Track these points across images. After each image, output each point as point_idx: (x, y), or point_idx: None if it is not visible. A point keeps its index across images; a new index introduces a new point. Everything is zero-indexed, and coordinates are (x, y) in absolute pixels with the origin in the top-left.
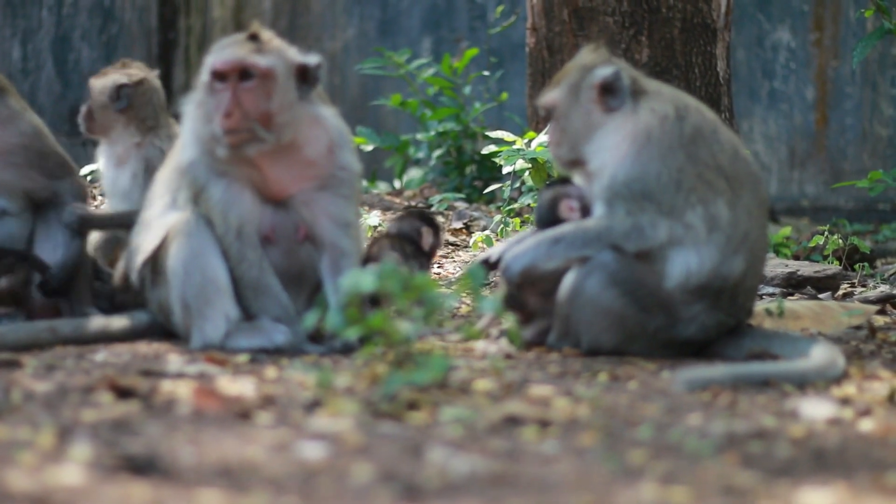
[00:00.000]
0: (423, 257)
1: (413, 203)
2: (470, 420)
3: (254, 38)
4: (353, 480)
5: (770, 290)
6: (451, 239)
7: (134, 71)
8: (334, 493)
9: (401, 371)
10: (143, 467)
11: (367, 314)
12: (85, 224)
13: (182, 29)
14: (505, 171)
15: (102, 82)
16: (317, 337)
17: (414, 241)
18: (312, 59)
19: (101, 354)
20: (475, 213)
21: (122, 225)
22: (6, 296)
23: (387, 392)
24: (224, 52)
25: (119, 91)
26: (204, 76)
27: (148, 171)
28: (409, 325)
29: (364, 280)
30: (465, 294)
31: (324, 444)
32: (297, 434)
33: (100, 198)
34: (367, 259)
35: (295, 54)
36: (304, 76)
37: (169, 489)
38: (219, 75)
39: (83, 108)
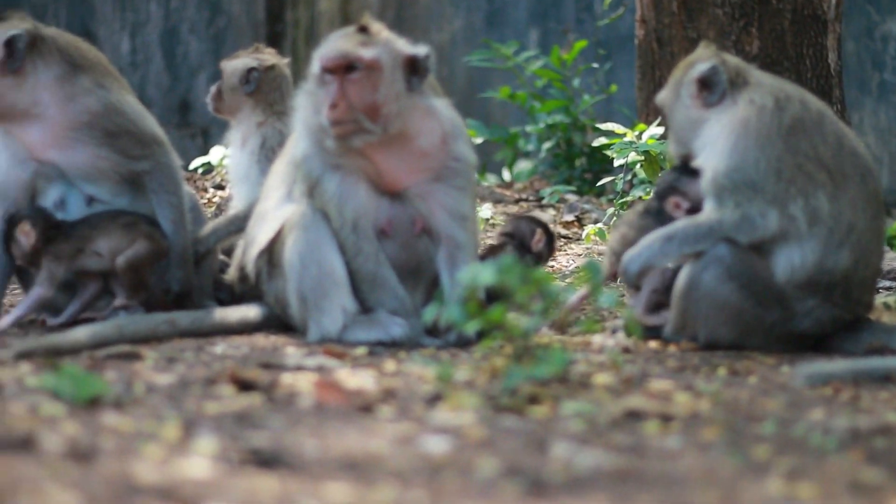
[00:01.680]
0: (531, 259)
1: (524, 195)
2: (591, 414)
3: (363, 30)
4: (478, 475)
5: (888, 283)
6: (564, 232)
7: (265, 56)
8: (460, 487)
9: (520, 365)
10: (269, 461)
11: (485, 308)
12: (192, 268)
13: (289, 21)
14: (616, 163)
15: (234, 65)
16: (432, 329)
17: (524, 241)
18: (422, 49)
19: (220, 347)
20: (586, 206)
21: (230, 234)
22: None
23: (507, 386)
24: (332, 45)
25: (249, 74)
26: (314, 68)
27: (263, 149)
28: (528, 319)
29: (483, 273)
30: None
31: (447, 437)
32: (419, 428)
33: (211, 189)
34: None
35: (404, 45)
36: (414, 67)
37: (295, 483)
38: (327, 68)
39: (213, 89)
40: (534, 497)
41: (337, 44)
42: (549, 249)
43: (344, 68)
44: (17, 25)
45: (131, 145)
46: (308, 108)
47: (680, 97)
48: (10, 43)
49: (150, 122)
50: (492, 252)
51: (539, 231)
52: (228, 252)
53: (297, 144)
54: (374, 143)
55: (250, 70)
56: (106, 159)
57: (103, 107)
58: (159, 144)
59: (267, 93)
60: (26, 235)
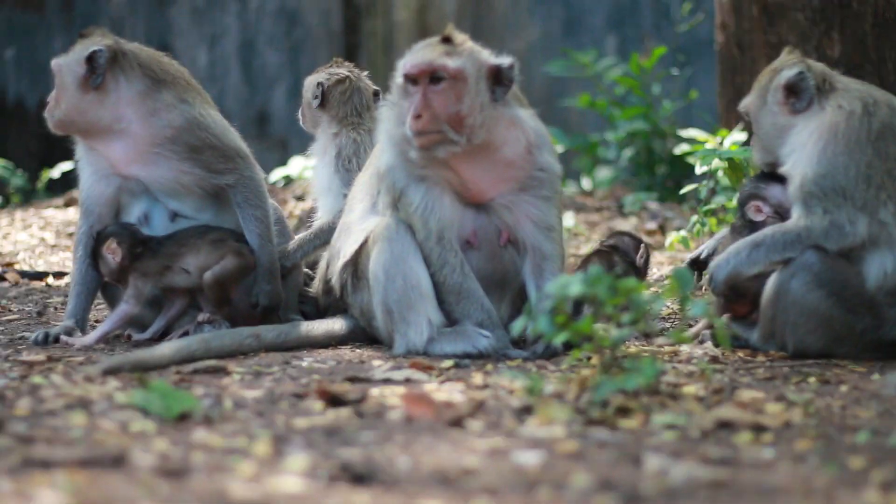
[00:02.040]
0: (636, 273)
1: (605, 204)
2: (683, 426)
3: (447, 40)
4: (571, 489)
5: None
6: (646, 239)
7: (339, 70)
8: (553, 500)
9: (609, 376)
10: (361, 477)
11: (571, 319)
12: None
13: (366, 32)
14: (699, 170)
15: (309, 80)
16: (518, 340)
17: (629, 255)
18: (506, 60)
19: (307, 360)
20: (668, 213)
21: (316, 248)
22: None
23: (598, 398)
24: (416, 55)
25: (318, 88)
26: (397, 79)
27: (340, 158)
28: (617, 330)
29: (572, 285)
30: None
31: (538, 451)
32: (510, 441)
33: (292, 201)
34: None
35: (488, 56)
36: (498, 78)
37: (389, 499)
38: (410, 78)
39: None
40: None
41: (421, 53)
42: (647, 265)
43: (428, 78)
44: (99, 41)
45: (215, 159)
46: (391, 119)
47: (766, 104)
48: (92, 59)
49: (234, 136)
50: (588, 262)
51: (642, 246)
52: (312, 265)
53: (380, 156)
54: (458, 153)
55: (319, 84)
56: (189, 174)
57: (186, 121)
58: (243, 158)
59: (338, 105)
60: (113, 253)
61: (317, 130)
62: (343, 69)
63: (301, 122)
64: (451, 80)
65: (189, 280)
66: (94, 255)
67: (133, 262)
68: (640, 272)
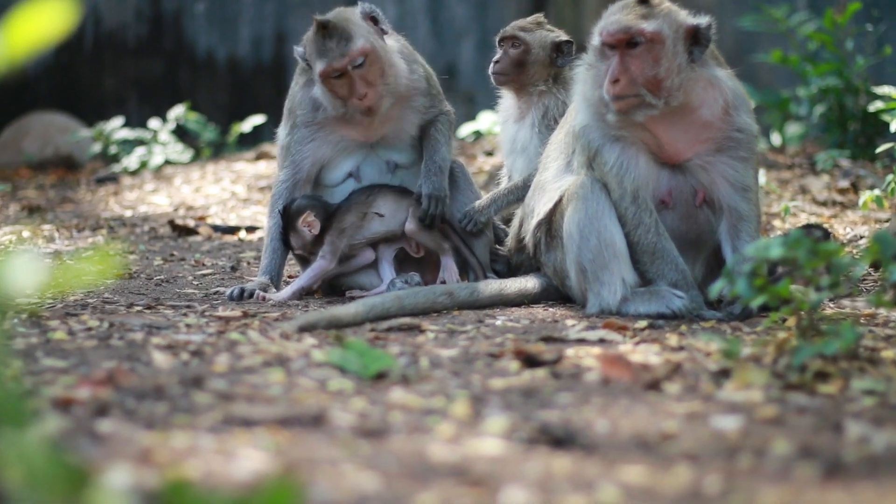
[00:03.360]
0: None
1: (796, 161)
2: (882, 391)
3: (643, 1)
4: (772, 456)
5: None
6: (839, 198)
7: (557, 30)
8: (754, 468)
9: (807, 340)
10: (560, 440)
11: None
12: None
13: None
14: (893, 128)
15: (541, 38)
16: (710, 301)
17: None
18: (703, 20)
19: (500, 319)
20: (861, 172)
21: (509, 204)
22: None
23: (796, 362)
24: (612, 18)
25: (560, 48)
26: (594, 41)
27: (545, 119)
28: (815, 293)
29: (772, 247)
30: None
31: (737, 416)
32: (708, 405)
33: (481, 157)
34: None
35: (685, 17)
36: (696, 38)
37: (589, 463)
38: (607, 43)
39: (503, 59)
40: (831, 479)
41: (618, 17)
42: None
43: (625, 43)
44: None
45: (429, 101)
46: (588, 81)
47: None
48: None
49: (433, 74)
50: None
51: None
52: (506, 222)
53: (576, 116)
54: (655, 115)
55: (561, 43)
56: (413, 122)
57: (424, 73)
58: (441, 94)
59: (551, 65)
60: (310, 226)
61: (519, 89)
62: (552, 27)
63: (496, 80)
64: (648, 44)
65: (384, 224)
66: (285, 229)
67: (324, 231)
68: None
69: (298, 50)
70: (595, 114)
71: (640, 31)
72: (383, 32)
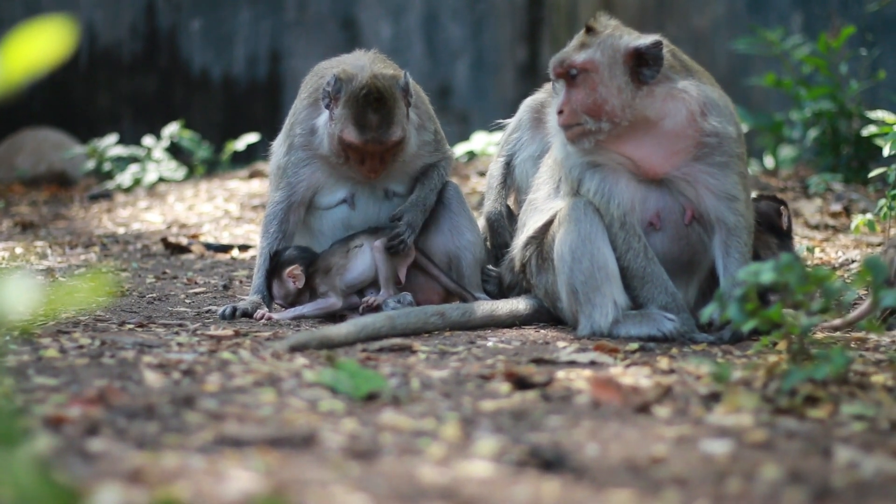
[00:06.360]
0: (783, 237)
1: (789, 184)
2: (872, 416)
3: (589, 30)
4: (761, 481)
5: None
6: (831, 222)
7: None
8: (743, 493)
9: (797, 364)
10: (550, 463)
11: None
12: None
13: (549, 5)
14: (887, 152)
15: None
16: (701, 324)
17: (772, 221)
18: (647, 40)
19: (491, 341)
20: (853, 196)
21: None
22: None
23: (786, 387)
24: (557, 54)
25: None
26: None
27: None
28: (806, 318)
29: (763, 272)
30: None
31: (727, 440)
32: (698, 429)
33: (474, 178)
34: None
35: (629, 40)
36: (642, 59)
37: (579, 487)
38: (552, 76)
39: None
40: None
41: (562, 51)
42: (790, 226)
43: (566, 74)
44: None
45: (432, 148)
46: (553, 112)
47: None
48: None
49: (437, 122)
50: None
51: (782, 207)
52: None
53: (553, 147)
54: (615, 137)
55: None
56: (413, 167)
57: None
58: (445, 138)
59: None
60: (295, 279)
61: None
62: None
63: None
64: (583, 73)
65: (366, 260)
66: (269, 276)
67: (310, 279)
68: (785, 233)
69: (329, 83)
70: (564, 143)
71: (572, 63)
72: (408, 105)
